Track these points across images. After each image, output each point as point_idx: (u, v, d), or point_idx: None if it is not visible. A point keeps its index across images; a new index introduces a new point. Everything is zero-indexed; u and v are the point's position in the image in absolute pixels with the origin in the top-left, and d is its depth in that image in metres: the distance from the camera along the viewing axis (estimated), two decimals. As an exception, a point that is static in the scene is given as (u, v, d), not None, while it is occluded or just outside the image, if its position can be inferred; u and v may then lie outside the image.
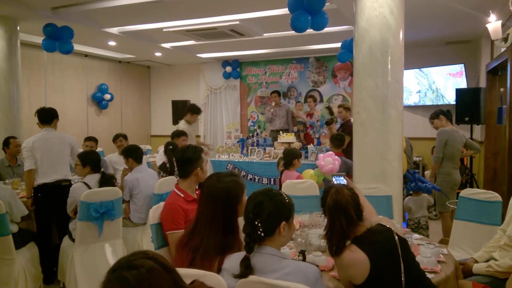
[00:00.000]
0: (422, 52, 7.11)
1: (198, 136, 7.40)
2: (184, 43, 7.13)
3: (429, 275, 1.90)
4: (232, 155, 6.36)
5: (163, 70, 9.77)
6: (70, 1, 4.81)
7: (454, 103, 6.22)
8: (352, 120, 4.14)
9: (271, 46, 7.58)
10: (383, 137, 3.56)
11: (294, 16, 4.16)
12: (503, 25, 3.76)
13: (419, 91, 7.14)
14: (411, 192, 4.46)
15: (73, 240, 3.38)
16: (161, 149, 5.33)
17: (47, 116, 3.86)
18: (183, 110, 8.29)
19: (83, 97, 8.14)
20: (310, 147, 6.09)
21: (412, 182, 4.31)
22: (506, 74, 4.67)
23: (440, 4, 4.65)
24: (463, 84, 6.55)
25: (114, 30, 6.18)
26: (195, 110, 6.06)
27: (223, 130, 8.77)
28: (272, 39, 6.74)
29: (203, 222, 1.92)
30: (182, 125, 5.97)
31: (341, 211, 1.75)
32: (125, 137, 5.54)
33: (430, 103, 7.00)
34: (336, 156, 4.02)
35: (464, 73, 6.55)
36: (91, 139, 5.27)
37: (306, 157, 5.87)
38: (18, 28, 5.39)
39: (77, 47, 6.45)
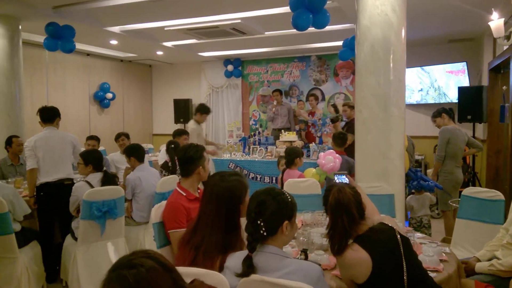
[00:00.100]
0: (424, 50, 7.08)
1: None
2: (186, 41, 7.13)
3: (431, 274, 1.90)
4: (234, 154, 6.37)
5: (164, 68, 9.77)
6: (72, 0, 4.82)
7: (457, 101, 6.19)
8: (355, 119, 4.13)
9: (272, 44, 7.57)
10: (385, 136, 3.55)
11: (296, 14, 4.16)
12: (505, 23, 3.74)
13: (421, 90, 7.12)
14: (413, 190, 4.45)
15: (75, 238, 3.40)
16: (163, 148, 5.33)
17: (49, 115, 3.87)
18: (185, 109, 8.37)
19: (85, 96, 8.15)
20: (312, 145, 6.08)
21: (414, 180, 4.30)
22: (508, 72, 4.65)
23: (442, 2, 4.63)
24: (465, 82, 6.53)
25: (116, 29, 6.18)
26: (205, 110, 6.07)
27: (225, 129, 8.75)
28: (273, 38, 6.72)
29: (205, 220, 1.92)
30: (191, 125, 5.99)
31: (343, 209, 1.75)
32: (127, 136, 5.54)
33: (432, 102, 6.98)
34: (337, 155, 4.02)
35: (466, 71, 6.53)
36: (93, 138, 5.27)
37: (308, 156, 5.87)
38: (20, 27, 5.40)
39: (79, 46, 6.44)
